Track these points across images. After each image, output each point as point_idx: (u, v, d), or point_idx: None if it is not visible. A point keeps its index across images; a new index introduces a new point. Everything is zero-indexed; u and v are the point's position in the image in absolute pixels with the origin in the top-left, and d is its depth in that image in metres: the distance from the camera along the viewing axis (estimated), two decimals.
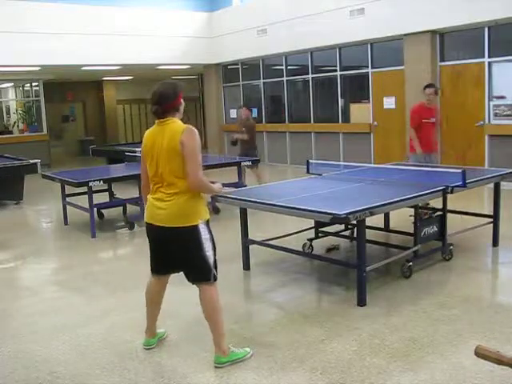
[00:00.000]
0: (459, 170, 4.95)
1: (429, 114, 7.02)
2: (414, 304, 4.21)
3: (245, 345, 3.57)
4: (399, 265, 4.84)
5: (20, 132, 16.07)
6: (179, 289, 4.59)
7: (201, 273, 3.35)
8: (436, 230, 5.07)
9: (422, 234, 4.92)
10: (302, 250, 5.50)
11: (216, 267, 3.38)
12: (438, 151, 7.47)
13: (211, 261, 3.33)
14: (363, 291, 4.21)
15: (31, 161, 9.43)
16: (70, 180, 7.03)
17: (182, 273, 3.44)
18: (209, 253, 3.31)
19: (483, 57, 9.51)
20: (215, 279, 3.37)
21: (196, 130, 3.26)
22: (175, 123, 3.28)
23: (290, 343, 3.61)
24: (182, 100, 3.33)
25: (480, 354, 2.21)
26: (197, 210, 3.30)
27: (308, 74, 12.99)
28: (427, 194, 4.70)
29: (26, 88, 17.19)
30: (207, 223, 3.35)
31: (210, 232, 3.35)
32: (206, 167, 8.17)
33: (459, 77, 9.95)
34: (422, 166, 6.27)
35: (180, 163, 3.19)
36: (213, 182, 3.45)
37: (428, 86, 7.12)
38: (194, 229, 3.27)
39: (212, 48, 14.98)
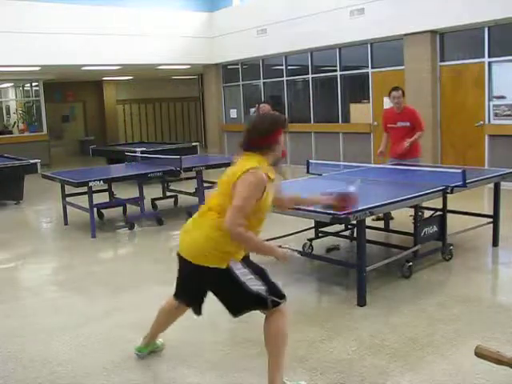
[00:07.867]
0: (459, 170, 4.95)
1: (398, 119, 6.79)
2: (414, 304, 4.21)
3: (244, 346, 3.57)
4: (399, 265, 4.84)
5: (20, 132, 16.05)
6: None
7: (252, 305, 2.87)
8: (436, 230, 5.06)
9: (422, 233, 4.91)
10: (302, 249, 5.50)
11: (275, 292, 2.84)
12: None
13: (260, 291, 2.79)
14: (363, 291, 4.21)
15: (31, 161, 9.43)
16: (70, 180, 7.02)
17: None
18: (254, 287, 2.78)
19: (483, 57, 9.50)
20: (275, 305, 2.82)
21: (258, 177, 2.71)
22: (245, 161, 2.80)
23: (290, 343, 3.58)
24: (276, 138, 2.97)
25: (480, 353, 2.22)
26: (224, 249, 2.75)
27: (308, 74, 12.99)
28: (427, 193, 4.70)
29: (26, 88, 17.18)
30: (242, 260, 2.85)
31: (247, 266, 2.83)
32: (206, 167, 8.24)
33: (459, 77, 9.94)
34: (422, 166, 6.26)
35: (225, 200, 2.76)
36: (279, 246, 2.91)
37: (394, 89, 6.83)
38: (222, 272, 2.77)
39: (212, 48, 14.97)
